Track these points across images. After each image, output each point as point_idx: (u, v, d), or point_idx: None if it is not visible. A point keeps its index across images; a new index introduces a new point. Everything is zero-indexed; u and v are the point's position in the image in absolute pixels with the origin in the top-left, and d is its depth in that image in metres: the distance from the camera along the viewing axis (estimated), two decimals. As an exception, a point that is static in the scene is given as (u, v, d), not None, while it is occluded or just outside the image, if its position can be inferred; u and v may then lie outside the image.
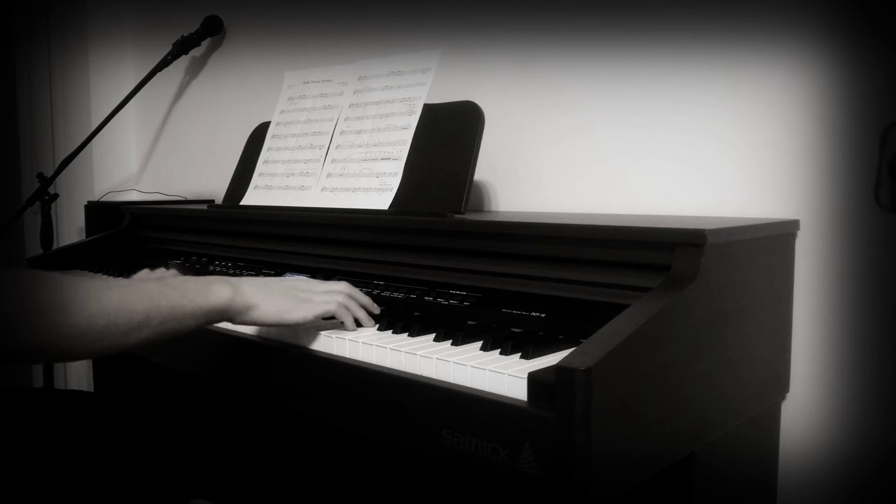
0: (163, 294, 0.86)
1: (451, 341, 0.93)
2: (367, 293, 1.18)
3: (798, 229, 1.13)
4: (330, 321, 1.06)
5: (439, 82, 1.33)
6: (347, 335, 0.98)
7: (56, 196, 2.07)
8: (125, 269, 1.55)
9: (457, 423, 0.80)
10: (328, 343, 1.00)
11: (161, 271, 1.31)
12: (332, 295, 1.02)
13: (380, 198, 1.27)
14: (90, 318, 0.78)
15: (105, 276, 1.51)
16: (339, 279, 1.26)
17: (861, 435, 1.10)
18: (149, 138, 2.51)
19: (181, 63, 2.24)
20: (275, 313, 0.96)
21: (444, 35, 1.57)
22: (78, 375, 2.56)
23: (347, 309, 1.03)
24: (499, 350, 0.88)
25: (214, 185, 2.17)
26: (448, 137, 1.23)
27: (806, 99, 1.13)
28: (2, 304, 0.72)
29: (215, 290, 0.91)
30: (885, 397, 1.08)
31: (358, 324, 1.04)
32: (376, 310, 1.09)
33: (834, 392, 1.12)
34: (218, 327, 1.14)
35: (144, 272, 1.35)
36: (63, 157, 2.05)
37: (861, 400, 1.10)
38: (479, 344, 0.91)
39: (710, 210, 1.23)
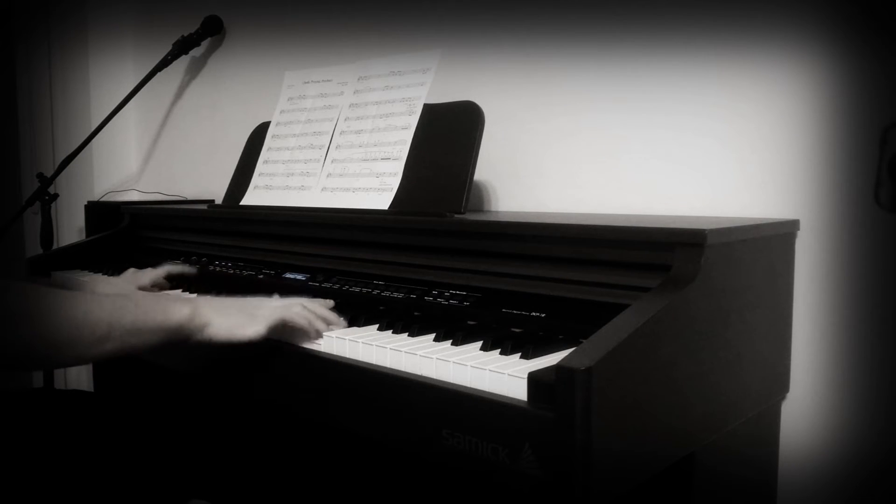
0: (125, 309, 0.89)
1: (451, 341, 0.93)
2: (367, 293, 1.18)
3: (798, 229, 1.13)
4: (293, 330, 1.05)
5: (439, 82, 1.33)
6: (347, 335, 0.98)
7: (56, 196, 2.07)
8: (125, 269, 1.55)
9: (457, 422, 0.80)
10: (328, 343, 1.00)
11: (149, 271, 1.32)
12: (286, 306, 1.03)
13: (380, 198, 1.27)
14: (55, 328, 0.80)
15: (82, 281, 1.50)
16: (337, 279, 1.26)
17: (861, 435, 1.10)
18: (149, 138, 2.51)
19: (181, 63, 2.24)
20: (226, 330, 0.98)
21: (444, 35, 1.57)
22: (78, 375, 2.56)
23: (305, 317, 1.02)
24: (499, 350, 0.88)
25: (214, 185, 2.17)
26: (448, 137, 1.23)
27: (806, 99, 1.13)
28: None
29: (175, 309, 0.95)
30: (885, 397, 1.08)
31: (352, 321, 1.04)
32: (342, 325, 1.05)
33: (834, 392, 1.12)
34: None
35: (130, 272, 1.36)
36: (63, 157, 2.05)
37: (861, 400, 1.10)
38: (478, 344, 0.91)
39: (711, 210, 1.23)
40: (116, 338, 0.87)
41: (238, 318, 0.99)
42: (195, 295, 1.29)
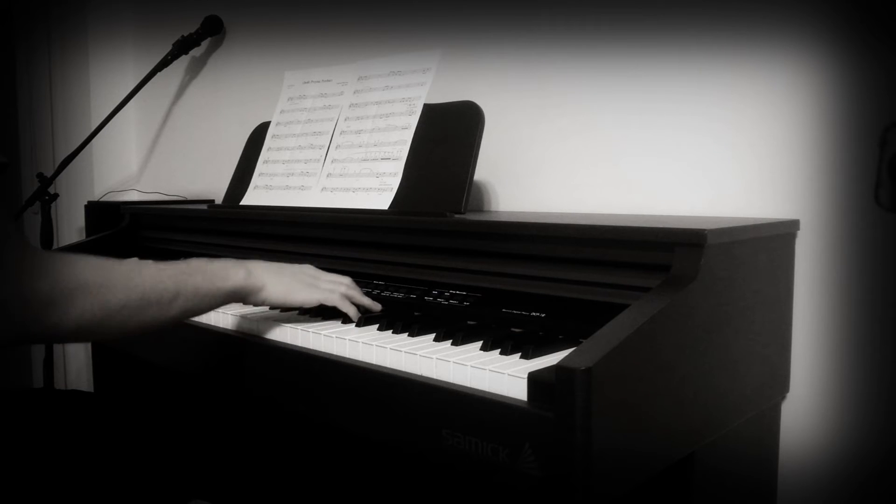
0: (187, 274, 0.93)
1: (451, 341, 0.93)
2: (367, 293, 1.18)
3: (798, 229, 1.13)
4: (318, 319, 1.08)
5: (439, 82, 1.33)
6: (347, 335, 0.98)
7: (56, 196, 2.07)
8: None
9: (457, 422, 0.80)
10: (328, 343, 1.00)
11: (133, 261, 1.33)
12: (337, 286, 1.09)
13: (380, 198, 1.27)
14: (126, 295, 0.83)
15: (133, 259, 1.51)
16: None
17: (861, 435, 1.10)
18: (149, 138, 2.51)
19: (181, 63, 2.24)
20: (282, 293, 1.04)
21: (444, 35, 1.57)
22: (78, 375, 2.56)
23: (355, 313, 1.08)
24: (499, 350, 0.88)
25: (214, 185, 2.17)
26: (448, 137, 1.23)
27: (806, 99, 1.13)
28: (39, 284, 0.73)
29: (232, 272, 0.99)
30: (885, 397, 1.08)
31: (349, 320, 1.07)
32: (377, 308, 1.11)
33: (834, 392, 1.12)
34: (219, 325, 1.14)
35: None
36: (63, 157, 2.05)
37: (861, 400, 1.10)
38: (478, 344, 0.91)
39: (711, 210, 1.23)
40: (181, 303, 0.90)
41: (292, 284, 1.05)
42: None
